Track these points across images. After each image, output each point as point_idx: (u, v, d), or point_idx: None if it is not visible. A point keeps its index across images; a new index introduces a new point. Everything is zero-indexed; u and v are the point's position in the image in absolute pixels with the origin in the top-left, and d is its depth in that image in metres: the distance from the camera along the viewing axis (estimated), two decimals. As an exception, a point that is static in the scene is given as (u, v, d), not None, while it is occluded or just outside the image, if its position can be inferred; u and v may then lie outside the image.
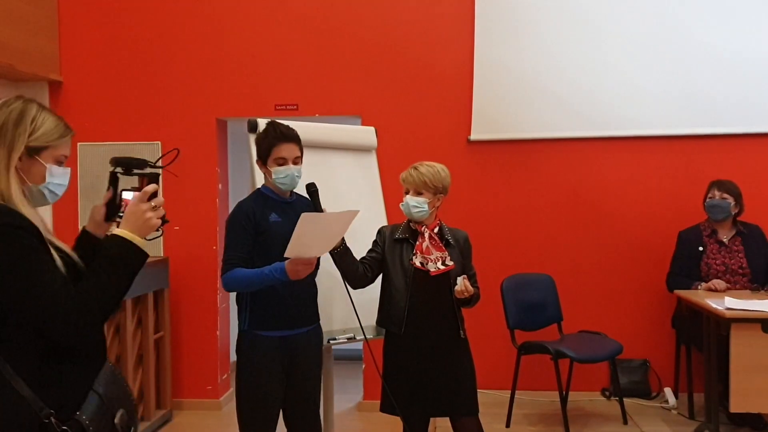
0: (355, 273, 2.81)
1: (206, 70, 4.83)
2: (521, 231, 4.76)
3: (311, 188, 2.76)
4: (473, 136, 4.72)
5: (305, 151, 3.27)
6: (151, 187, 1.69)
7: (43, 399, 1.50)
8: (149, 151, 4.79)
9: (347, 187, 3.39)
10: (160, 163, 1.88)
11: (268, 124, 2.72)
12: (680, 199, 4.62)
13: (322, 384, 3.24)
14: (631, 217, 4.70)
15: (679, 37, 4.55)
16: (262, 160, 2.70)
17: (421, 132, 4.77)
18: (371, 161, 3.57)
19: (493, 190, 4.78)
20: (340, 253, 2.73)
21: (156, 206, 1.68)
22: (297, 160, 2.70)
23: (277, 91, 4.83)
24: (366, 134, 3.57)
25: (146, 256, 1.65)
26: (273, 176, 2.66)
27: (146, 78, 4.86)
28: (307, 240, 2.44)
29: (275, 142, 2.66)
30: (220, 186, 4.84)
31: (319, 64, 4.81)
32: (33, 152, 1.60)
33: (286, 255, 2.45)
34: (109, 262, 1.58)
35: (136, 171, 1.83)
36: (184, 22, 4.85)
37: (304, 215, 2.38)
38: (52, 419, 1.50)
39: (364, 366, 4.81)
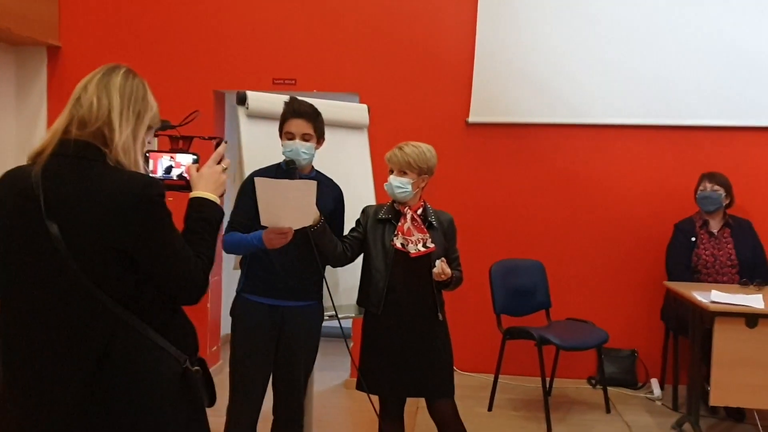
0: (333, 252, 2.79)
1: (205, 41, 4.80)
2: (515, 216, 4.74)
3: (290, 165, 2.75)
4: (471, 119, 4.68)
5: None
6: (222, 148, 1.84)
7: (180, 349, 1.62)
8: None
9: (336, 164, 3.36)
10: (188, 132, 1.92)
11: (288, 99, 2.79)
12: (674, 189, 4.58)
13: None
14: (625, 207, 4.67)
15: (679, 29, 4.49)
16: (279, 133, 2.79)
17: (419, 112, 4.73)
18: (362, 139, 3.54)
19: (489, 173, 4.75)
20: (318, 232, 2.70)
21: (226, 168, 1.81)
22: (307, 137, 2.74)
23: (275, 65, 4.79)
24: (358, 112, 3.53)
25: (223, 213, 1.78)
26: (282, 149, 2.75)
27: (145, 47, 4.83)
28: (273, 208, 2.47)
29: (287, 117, 2.74)
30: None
31: (318, 40, 4.76)
32: (147, 130, 1.67)
33: (261, 222, 2.50)
34: (207, 224, 1.71)
35: (159, 132, 1.86)
36: (184, -9, 4.81)
37: (256, 179, 2.44)
38: (188, 365, 1.63)
39: (352, 344, 4.82)
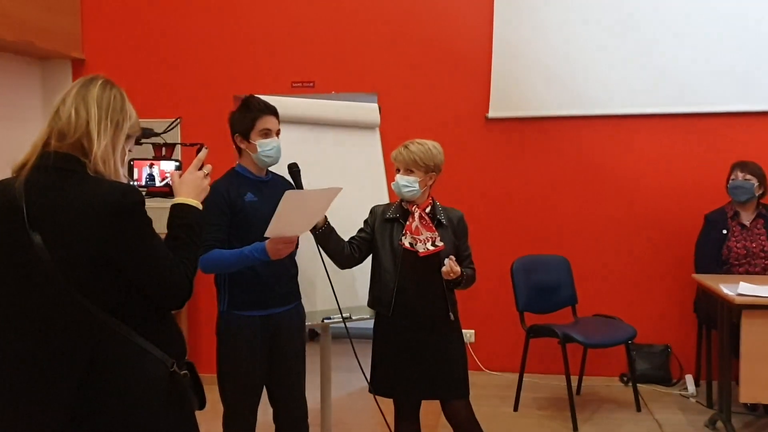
0: (340, 253, 2.77)
1: (224, 48, 4.84)
2: (538, 211, 4.66)
3: (293, 168, 2.72)
4: (491, 114, 4.62)
5: (306, 128, 3.26)
6: (203, 154, 1.82)
7: (167, 353, 1.64)
8: (171, 132, 4.84)
9: (348, 165, 3.35)
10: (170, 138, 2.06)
11: (248, 98, 2.69)
12: (702, 179, 4.44)
13: (320, 364, 3.26)
14: (652, 198, 4.55)
15: (700, 14, 4.35)
16: (243, 135, 2.65)
17: (438, 110, 4.69)
18: (374, 139, 3.51)
19: (510, 168, 4.68)
20: (324, 234, 2.69)
21: (207, 173, 1.80)
22: (278, 133, 2.68)
23: (294, 69, 4.81)
24: (369, 111, 3.51)
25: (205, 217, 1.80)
26: (258, 149, 2.62)
27: (166, 56, 4.90)
28: (289, 218, 2.41)
29: (259, 114, 2.63)
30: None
31: (336, 42, 4.76)
32: (126, 138, 1.68)
33: (266, 234, 2.41)
34: (190, 229, 1.71)
35: (144, 141, 1.91)
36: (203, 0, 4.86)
37: (288, 193, 2.34)
38: (175, 368, 1.65)
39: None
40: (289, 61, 4.80)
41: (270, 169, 2.77)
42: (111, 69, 4.98)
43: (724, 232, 4.04)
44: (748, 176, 3.97)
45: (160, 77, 4.91)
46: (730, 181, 4.04)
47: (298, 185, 2.73)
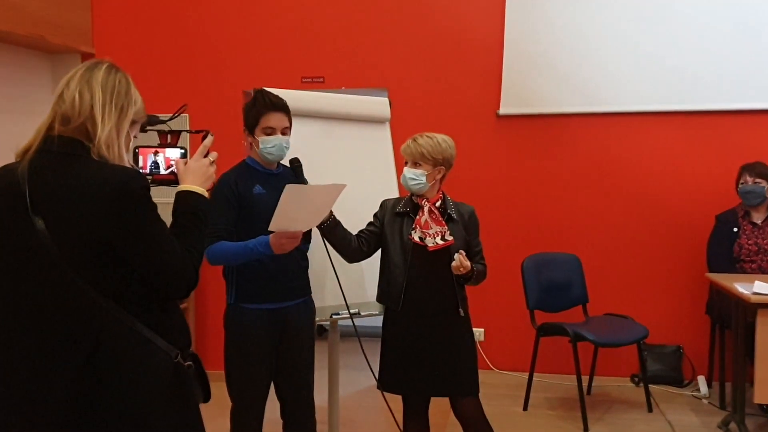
0: (347, 248, 2.73)
1: (233, 43, 4.83)
2: (549, 208, 4.61)
3: (295, 163, 2.69)
4: (502, 111, 4.57)
5: (316, 122, 3.22)
6: (209, 141, 1.79)
7: (171, 344, 1.61)
8: (178, 121, 4.80)
9: (358, 159, 3.32)
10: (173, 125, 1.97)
11: (257, 93, 2.66)
12: (714, 176, 4.38)
13: (328, 361, 3.23)
14: (665, 196, 4.48)
15: (710, 11, 4.29)
16: (250, 130, 2.64)
17: (449, 105, 4.65)
18: (384, 133, 3.48)
19: (521, 166, 4.63)
20: (329, 228, 2.66)
21: (213, 161, 1.78)
22: (285, 131, 2.64)
23: (303, 64, 4.78)
24: (379, 105, 3.47)
25: (211, 206, 1.78)
26: (261, 146, 2.60)
27: (176, 51, 4.89)
28: (292, 213, 2.38)
29: (264, 111, 2.60)
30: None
31: (346, 37, 4.73)
32: (131, 124, 1.67)
33: (270, 228, 2.39)
34: (195, 218, 1.68)
35: (149, 128, 1.88)
36: (213, -6, 4.85)
37: (288, 186, 2.32)
38: (180, 359, 1.62)
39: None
40: (299, 57, 4.78)
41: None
42: (121, 64, 4.93)
43: (735, 230, 4.00)
44: (758, 179, 3.95)
45: (170, 72, 4.90)
46: (741, 185, 4.02)
47: (301, 180, 2.70)
